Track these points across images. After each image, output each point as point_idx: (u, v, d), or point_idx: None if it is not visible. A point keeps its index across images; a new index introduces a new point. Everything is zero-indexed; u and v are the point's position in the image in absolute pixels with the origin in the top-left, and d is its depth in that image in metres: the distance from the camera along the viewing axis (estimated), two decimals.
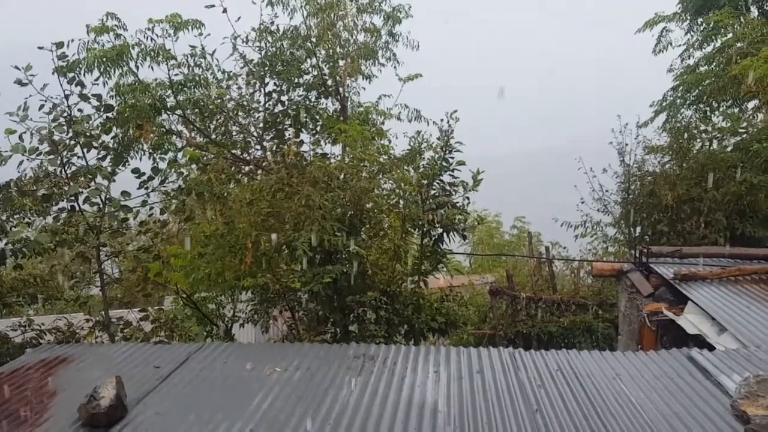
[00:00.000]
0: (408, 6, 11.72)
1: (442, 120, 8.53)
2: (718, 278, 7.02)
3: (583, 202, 13.22)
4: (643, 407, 4.18)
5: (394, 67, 11.93)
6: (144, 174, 8.62)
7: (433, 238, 8.60)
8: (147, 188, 8.71)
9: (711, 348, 5.35)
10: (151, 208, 9.13)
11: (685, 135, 12.21)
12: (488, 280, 15.74)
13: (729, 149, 11.99)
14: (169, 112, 10.16)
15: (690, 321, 6.24)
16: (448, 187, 8.51)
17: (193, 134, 10.04)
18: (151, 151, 9.40)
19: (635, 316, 7.43)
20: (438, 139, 8.52)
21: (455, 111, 8.48)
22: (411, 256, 8.94)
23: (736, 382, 4.19)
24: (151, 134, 9.24)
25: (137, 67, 9.69)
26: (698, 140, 12.31)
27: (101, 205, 8.19)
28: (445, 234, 8.53)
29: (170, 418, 4.24)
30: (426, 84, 12.35)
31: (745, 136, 11.96)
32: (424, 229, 8.51)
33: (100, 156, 8.29)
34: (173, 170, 8.93)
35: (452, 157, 8.43)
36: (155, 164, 9.04)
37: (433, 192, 8.45)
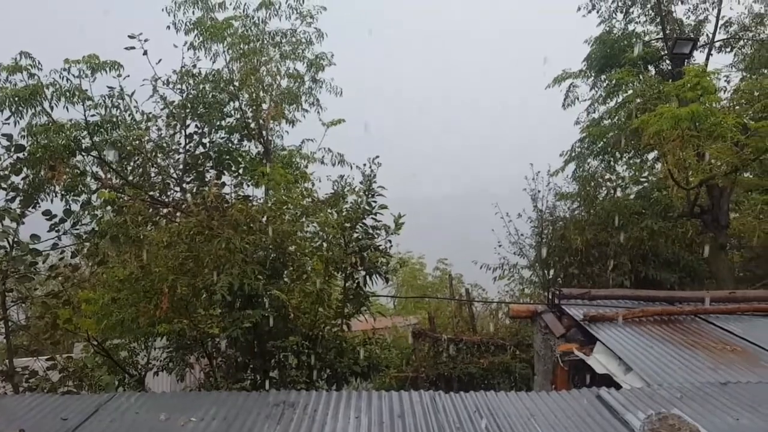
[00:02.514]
0: (330, 54, 12.03)
1: (364, 164, 8.73)
2: (623, 319, 7.41)
3: (500, 245, 13.75)
4: None
5: (318, 112, 12.16)
6: (55, 216, 8.29)
7: (356, 281, 8.66)
8: (58, 231, 8.36)
9: (618, 386, 5.63)
10: (63, 252, 8.75)
11: (592, 183, 13.03)
12: (411, 321, 15.89)
13: (632, 197, 12.86)
14: (84, 153, 9.88)
15: (598, 361, 6.54)
16: (370, 231, 8.64)
17: (108, 176, 9.76)
18: (63, 192, 9.05)
19: (549, 356, 7.71)
20: (361, 183, 8.70)
21: (377, 156, 8.71)
22: (334, 299, 8.95)
23: (641, 420, 4.42)
24: (64, 175, 8.93)
25: (51, 107, 9.45)
26: (604, 188, 13.17)
27: (8, 249, 7.78)
28: (368, 277, 8.61)
29: None
30: (349, 129, 12.61)
31: (646, 184, 12.89)
32: (348, 272, 8.57)
33: (8, 197, 7.93)
34: (87, 212, 8.63)
35: (375, 201, 8.60)
36: (68, 206, 8.71)
37: (356, 235, 8.55)
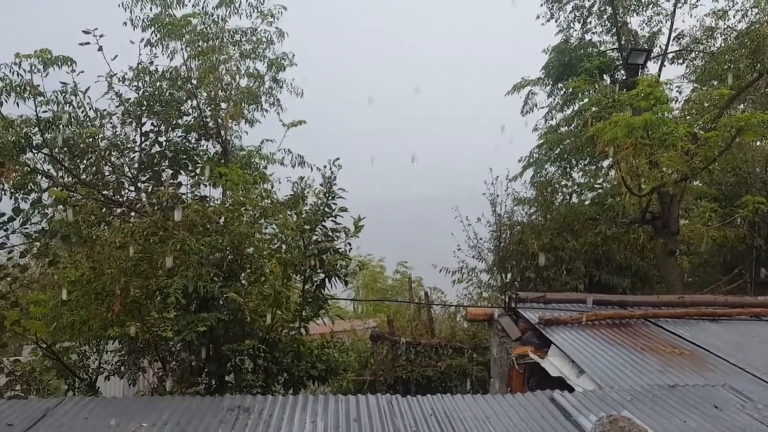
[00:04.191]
0: (292, 54, 11.93)
1: (325, 166, 8.70)
2: (577, 323, 7.56)
3: (459, 249, 13.88)
4: None
5: (278, 112, 12.04)
6: (3, 215, 8.00)
7: (315, 284, 8.62)
8: (6, 230, 8.08)
9: (571, 389, 5.73)
10: (11, 252, 8.46)
11: (549, 189, 13.29)
12: (370, 324, 15.89)
13: (587, 203, 13.16)
14: (34, 151, 9.56)
15: (553, 363, 6.65)
16: (330, 233, 8.61)
17: (60, 174, 9.46)
18: (12, 190, 8.73)
19: (505, 359, 7.80)
20: (321, 185, 8.66)
21: (338, 158, 8.69)
22: (292, 302, 8.88)
23: (592, 422, 4.51)
24: (13, 173, 8.61)
25: (0, 103, 9.09)
26: (560, 194, 13.44)
27: None
28: (327, 279, 8.58)
29: None
30: (311, 130, 12.53)
31: (600, 191, 13.20)
32: (306, 275, 8.51)
33: None
34: (37, 211, 8.34)
35: (335, 203, 8.58)
36: (17, 204, 8.40)
37: (315, 237, 8.51)
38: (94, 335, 8.36)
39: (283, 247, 8.60)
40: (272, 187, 9.27)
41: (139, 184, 9.57)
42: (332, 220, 8.61)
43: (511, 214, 13.45)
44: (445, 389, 11.34)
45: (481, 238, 13.81)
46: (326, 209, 8.56)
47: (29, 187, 8.61)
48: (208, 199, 8.95)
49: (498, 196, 13.44)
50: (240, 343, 7.85)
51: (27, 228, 8.29)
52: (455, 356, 12.28)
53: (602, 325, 7.65)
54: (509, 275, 13.01)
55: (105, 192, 9.14)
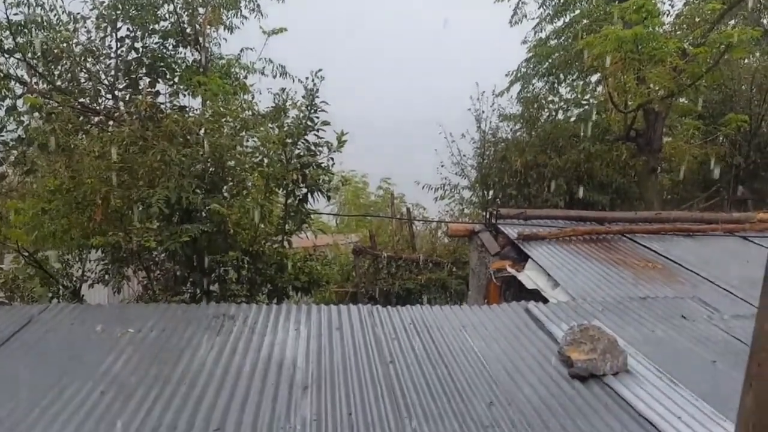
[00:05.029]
0: None
1: (307, 78, 8.47)
2: (555, 238, 7.71)
3: (443, 166, 13.88)
4: (484, 356, 4.57)
5: (258, 18, 11.57)
6: None
7: (298, 198, 8.61)
8: None
9: (546, 301, 5.93)
10: None
11: (535, 105, 13.14)
12: (352, 239, 16.09)
13: (572, 119, 13.08)
14: (6, 55, 9.16)
15: (529, 277, 6.84)
16: (312, 147, 8.51)
17: (35, 80, 9.12)
18: None
19: (483, 273, 8.00)
20: (303, 97, 8.46)
21: (320, 70, 8.44)
22: (275, 216, 8.89)
23: (563, 331, 4.69)
24: None
25: None
26: (546, 110, 13.31)
27: None
28: (309, 194, 8.57)
29: (11, 383, 3.98)
30: (293, 39, 12.11)
31: (586, 107, 13.10)
32: (289, 189, 8.48)
33: None
34: (12, 119, 8.10)
35: (317, 117, 8.42)
36: None
37: (297, 151, 8.41)
38: (76, 244, 8.35)
39: (265, 160, 8.51)
40: (253, 98, 9.06)
41: (116, 93, 9.28)
42: (315, 134, 8.49)
43: (496, 130, 13.38)
44: (425, 301, 11.67)
45: (464, 155, 13.81)
46: (308, 122, 8.41)
47: (2, 94, 8.32)
48: (187, 109, 8.74)
49: (483, 112, 13.33)
50: (224, 255, 7.90)
51: (3, 136, 8.07)
52: (435, 270, 12.56)
53: (579, 240, 7.81)
54: (491, 192, 13.11)
55: (81, 100, 8.88)
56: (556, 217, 8.65)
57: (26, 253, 9.02)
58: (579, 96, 13.93)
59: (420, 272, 12.48)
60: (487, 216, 8.51)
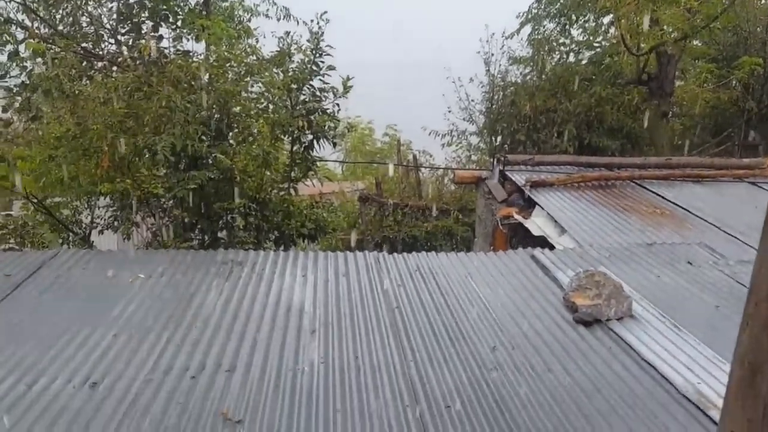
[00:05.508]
0: None
1: (312, 21, 8.28)
2: (563, 185, 7.67)
3: (450, 111, 13.69)
4: (489, 301, 4.63)
5: None
6: None
7: (304, 145, 8.56)
8: None
9: (552, 248, 5.94)
10: None
11: (546, 47, 12.82)
12: (358, 187, 16.08)
13: (584, 62, 12.79)
14: (6, 0, 8.97)
15: (536, 223, 6.83)
16: (318, 93, 8.38)
17: (36, 25, 8.96)
18: None
19: (490, 220, 8.00)
20: (308, 41, 8.30)
21: (325, 12, 8.25)
22: (281, 163, 8.87)
23: (569, 277, 4.72)
24: None
25: None
26: (557, 53, 13.00)
27: None
28: (315, 141, 8.51)
29: (23, 327, 4.07)
30: None
31: (598, 50, 12.78)
32: (294, 136, 8.42)
33: None
34: (15, 64, 7.99)
35: (322, 61, 8.27)
36: None
37: (303, 97, 8.30)
38: (84, 191, 8.38)
39: (271, 106, 8.42)
40: (257, 42, 8.89)
41: (119, 37, 9.13)
42: (320, 79, 8.35)
43: (505, 74, 13.11)
44: (431, 248, 11.73)
45: (472, 100, 13.60)
46: (314, 67, 8.26)
47: (4, 39, 8.18)
48: (191, 54, 8.59)
49: (492, 55, 13.04)
50: (230, 202, 7.93)
51: (6, 81, 7.99)
52: (441, 218, 12.58)
53: (588, 187, 7.77)
54: (499, 138, 12.96)
55: (84, 45, 8.74)
56: (565, 163, 8.58)
57: (35, 200, 9.07)
58: (591, 38, 13.57)
59: (426, 220, 12.51)
60: (495, 162, 8.44)
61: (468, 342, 4.00)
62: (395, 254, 5.74)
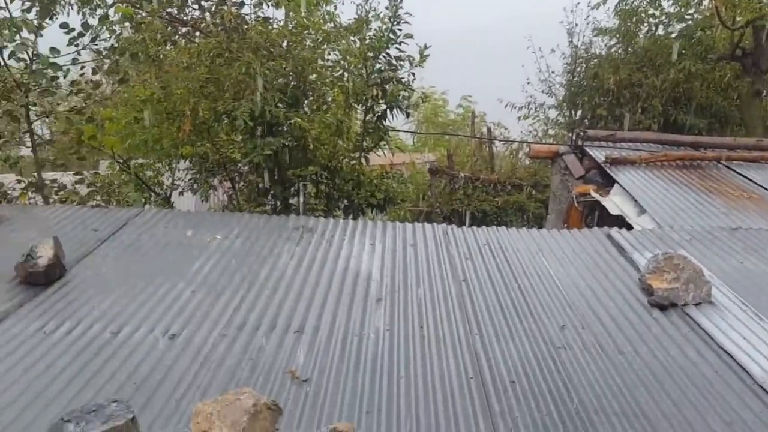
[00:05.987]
0: None
1: None
2: (645, 163, 7.37)
3: (528, 83, 13.33)
4: (560, 279, 4.53)
5: None
6: (73, 30, 8.01)
7: (377, 115, 8.56)
8: (77, 45, 8.15)
9: (630, 228, 5.74)
10: (83, 68, 8.61)
11: (634, 18, 12.21)
12: (429, 158, 15.99)
13: (674, 35, 12.11)
14: None
15: (614, 202, 6.61)
16: (394, 62, 8.33)
17: None
18: (79, 5, 8.66)
19: (565, 197, 7.80)
20: (386, 8, 8.23)
21: None
22: (353, 132, 8.92)
23: (647, 259, 4.55)
24: None
25: None
26: (645, 24, 12.36)
27: (28, 62, 7.68)
28: (388, 110, 8.49)
29: (109, 279, 4.31)
30: None
31: (690, 22, 12.06)
32: (368, 105, 8.44)
33: (24, 7, 7.63)
34: (105, 27, 8.30)
35: (400, 29, 8.18)
36: (84, 20, 8.38)
37: (378, 66, 8.28)
38: (166, 153, 8.72)
39: (346, 75, 8.45)
40: (335, 9, 8.86)
41: (202, 3, 9.31)
42: (396, 48, 8.29)
43: (589, 45, 12.61)
44: (501, 224, 11.57)
45: (553, 72, 13.17)
46: (391, 35, 8.19)
47: (95, 3, 8.51)
48: (270, 20, 8.68)
49: (577, 25, 12.55)
50: (303, 169, 8.07)
51: (97, 45, 8.32)
52: (513, 192, 12.37)
53: (672, 166, 7.44)
54: (579, 112, 12.53)
55: (169, 10, 8.98)
56: (648, 140, 8.23)
57: (120, 160, 9.51)
58: (683, 10, 12.80)
59: (497, 194, 12.33)
60: (574, 137, 8.19)
61: (536, 319, 3.95)
62: (464, 228, 5.69)
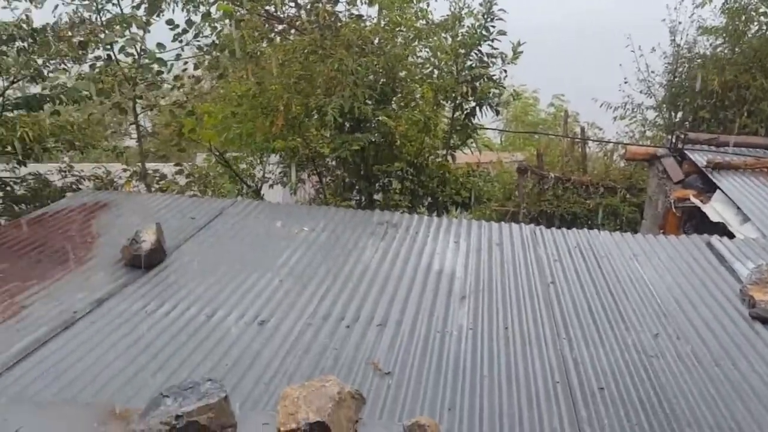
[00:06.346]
0: None
1: None
2: (750, 168, 6.92)
3: (626, 82, 12.81)
4: (655, 286, 4.33)
5: None
6: (178, 26, 8.45)
7: (465, 112, 8.49)
8: (181, 42, 8.58)
9: (732, 236, 5.40)
10: (185, 63, 9.06)
11: (743, 17, 11.46)
12: (517, 158, 15.66)
13: None
14: None
15: (715, 209, 6.25)
16: (485, 58, 8.23)
17: None
18: (183, 2, 9.12)
19: (662, 201, 7.45)
20: (480, 4, 8.13)
21: None
22: (441, 129, 8.88)
23: (749, 269, 4.27)
24: None
25: None
26: (755, 23, 11.58)
27: (136, 56, 8.16)
28: (477, 108, 8.40)
29: (205, 265, 4.51)
30: None
31: None
32: (457, 102, 8.38)
33: (134, 4, 8.12)
34: (207, 24, 8.70)
35: (493, 26, 8.06)
36: (188, 17, 8.81)
37: (469, 63, 8.20)
38: (258, 147, 9.04)
39: (436, 72, 8.42)
40: (428, 6, 8.84)
41: (298, 0, 9.56)
42: (489, 45, 8.18)
43: (693, 45, 11.96)
44: (592, 227, 11.13)
45: (653, 71, 12.58)
46: (483, 32, 8.09)
47: (198, 0, 8.91)
48: (363, 18, 8.79)
49: (680, 23, 11.92)
50: (389, 165, 8.12)
51: (199, 41, 8.73)
52: (606, 195, 11.92)
53: None
54: (680, 114, 11.91)
55: (267, 7, 9.28)
56: (754, 145, 7.73)
57: (216, 153, 9.94)
58: None
59: (589, 196, 11.92)
60: (673, 140, 7.79)
61: (628, 325, 3.79)
62: (553, 229, 5.55)
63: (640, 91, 12.73)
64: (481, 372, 3.24)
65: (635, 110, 12.88)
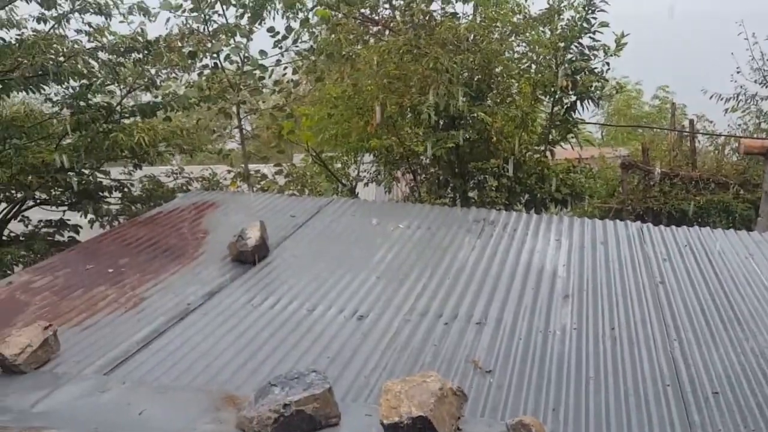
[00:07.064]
0: None
1: None
2: None
3: (739, 72, 11.99)
4: None
5: None
6: (278, 33, 8.77)
7: (565, 106, 8.24)
8: (281, 48, 8.91)
9: None
10: (285, 68, 9.37)
11: None
12: (621, 153, 15.01)
13: None
14: None
15: None
16: (586, 51, 7.96)
17: None
18: (284, 9, 9.45)
19: None
20: None
21: None
22: (538, 125, 8.67)
23: None
24: None
25: None
26: None
27: (240, 63, 8.54)
28: (578, 102, 8.14)
29: (305, 262, 4.65)
30: None
31: None
32: (556, 97, 8.15)
33: (238, 14, 8.50)
34: (305, 30, 8.97)
35: (594, 18, 7.80)
36: (288, 24, 9.12)
37: (569, 56, 7.95)
38: (353, 147, 9.21)
39: (533, 66, 8.24)
40: (525, 0, 8.66)
41: (393, 2, 9.65)
42: (590, 37, 7.90)
43: None
44: (702, 225, 10.50)
45: None
46: (584, 24, 7.83)
47: (297, 7, 9.20)
48: (458, 15, 8.74)
49: None
50: (485, 162, 8.02)
51: (297, 46, 9.02)
52: (718, 191, 11.21)
53: None
54: None
55: (363, 10, 9.42)
56: None
57: (313, 153, 10.23)
58: None
59: (699, 192, 11.24)
60: None
61: (744, 327, 3.56)
62: (661, 227, 5.28)
63: (755, 81, 11.89)
64: (586, 373, 3.14)
65: (749, 101, 12.05)
